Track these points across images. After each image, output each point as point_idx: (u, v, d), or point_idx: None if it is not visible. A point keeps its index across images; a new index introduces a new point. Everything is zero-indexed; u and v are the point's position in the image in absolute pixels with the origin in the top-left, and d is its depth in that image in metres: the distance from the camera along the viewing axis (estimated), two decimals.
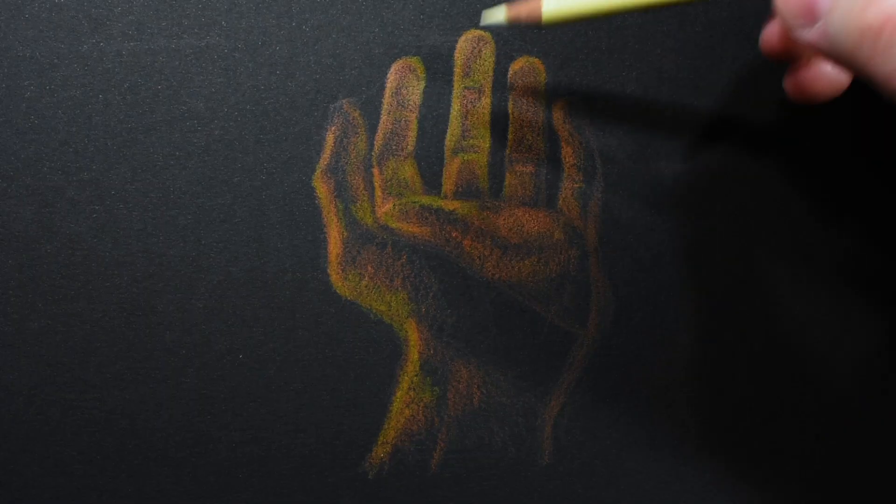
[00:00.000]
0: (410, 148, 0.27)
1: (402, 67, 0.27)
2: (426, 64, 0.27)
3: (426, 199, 0.27)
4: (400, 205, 0.27)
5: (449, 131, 0.27)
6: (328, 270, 0.27)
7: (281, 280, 0.26)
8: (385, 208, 0.27)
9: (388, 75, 0.27)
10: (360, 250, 0.27)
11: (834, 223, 0.29)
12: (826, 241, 0.29)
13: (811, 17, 0.21)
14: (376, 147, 0.27)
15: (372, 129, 0.27)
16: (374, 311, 0.27)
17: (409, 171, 0.27)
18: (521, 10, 0.24)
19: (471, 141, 0.27)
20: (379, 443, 0.27)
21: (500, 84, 0.28)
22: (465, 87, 0.27)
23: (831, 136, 0.28)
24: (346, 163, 0.27)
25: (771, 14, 0.25)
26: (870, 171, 0.29)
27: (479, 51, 0.27)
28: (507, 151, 0.28)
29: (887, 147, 0.29)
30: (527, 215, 0.28)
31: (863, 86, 0.21)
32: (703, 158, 0.29)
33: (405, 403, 0.27)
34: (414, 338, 0.27)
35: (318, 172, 0.27)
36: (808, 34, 0.21)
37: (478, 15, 0.27)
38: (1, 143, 0.25)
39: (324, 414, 0.27)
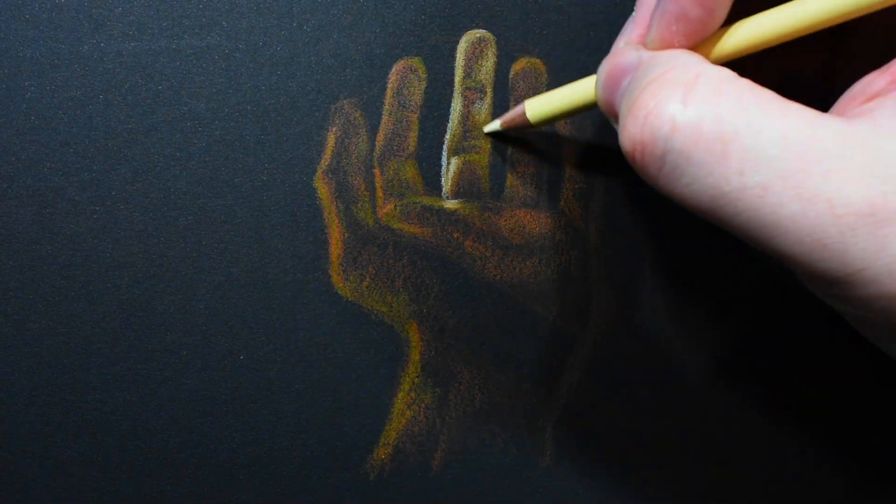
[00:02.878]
0: (412, 148, 0.27)
1: (404, 68, 0.27)
2: (427, 64, 0.27)
3: (427, 200, 0.27)
4: (401, 205, 0.27)
5: (450, 132, 0.27)
6: (329, 271, 0.27)
7: (282, 281, 0.26)
8: (386, 209, 0.27)
9: (390, 76, 0.27)
10: (362, 251, 0.27)
11: None
12: None
13: (615, 118, 0.21)
14: (377, 148, 0.27)
15: (373, 130, 0.27)
16: (376, 311, 0.27)
17: (410, 172, 0.27)
18: (512, 117, 0.26)
19: (472, 141, 0.27)
20: (380, 444, 0.27)
21: (502, 84, 0.28)
22: (467, 88, 0.27)
23: None
24: (348, 163, 0.27)
25: None
26: None
27: (481, 51, 0.27)
28: (509, 152, 0.28)
29: None
30: (528, 216, 0.28)
31: None
32: None
33: (406, 404, 0.27)
34: (415, 339, 0.27)
35: (319, 173, 0.27)
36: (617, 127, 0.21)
37: (479, 15, 0.27)
38: (1, 143, 0.25)
39: (325, 415, 0.27)
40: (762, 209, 0.17)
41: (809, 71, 0.24)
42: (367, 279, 0.27)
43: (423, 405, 0.27)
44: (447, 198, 0.27)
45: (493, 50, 0.27)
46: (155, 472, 0.26)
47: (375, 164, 0.27)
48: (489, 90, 0.27)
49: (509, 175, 0.28)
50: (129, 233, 0.26)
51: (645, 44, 0.21)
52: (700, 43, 0.20)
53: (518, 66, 0.28)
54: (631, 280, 0.28)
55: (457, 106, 0.27)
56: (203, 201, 0.26)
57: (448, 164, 0.27)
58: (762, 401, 0.29)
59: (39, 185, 0.25)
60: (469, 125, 0.27)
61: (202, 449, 0.26)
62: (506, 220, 0.28)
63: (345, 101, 0.27)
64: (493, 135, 0.27)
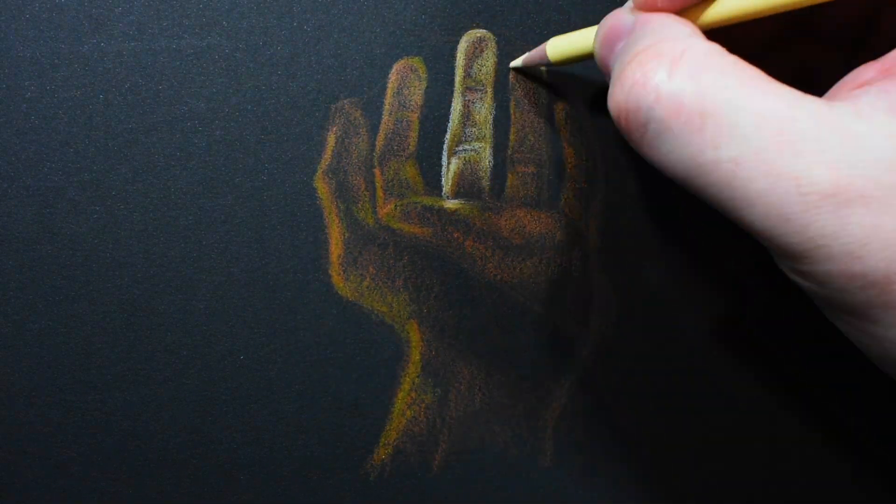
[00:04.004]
0: (412, 148, 0.27)
1: (404, 68, 0.27)
2: (428, 64, 0.27)
3: (428, 200, 0.27)
4: (401, 205, 0.27)
5: (450, 132, 0.27)
6: (329, 271, 0.27)
7: (282, 281, 0.26)
8: (386, 209, 0.27)
9: (390, 75, 0.27)
10: (362, 251, 0.27)
11: None
12: None
13: (608, 76, 0.21)
14: (378, 147, 0.27)
15: (373, 130, 0.27)
16: (376, 311, 0.27)
17: (410, 172, 0.27)
18: (533, 56, 0.27)
19: (472, 141, 0.27)
20: (380, 444, 0.27)
21: (502, 84, 0.28)
22: (467, 88, 0.27)
23: None
24: (348, 163, 0.27)
25: None
26: None
27: (481, 51, 0.27)
28: (509, 152, 0.28)
29: None
30: (528, 216, 0.28)
31: None
32: None
33: (407, 405, 0.27)
34: (415, 339, 0.27)
35: (319, 173, 0.27)
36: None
37: (479, 15, 0.27)
38: (1, 143, 0.25)
39: (325, 415, 0.27)
40: (733, 182, 0.17)
41: (827, 68, 0.25)
42: (368, 279, 0.27)
43: (423, 405, 0.27)
44: (447, 198, 0.27)
45: (494, 49, 0.27)
46: (155, 472, 0.26)
47: (376, 163, 0.27)
48: (489, 90, 0.27)
49: (510, 175, 0.28)
50: (129, 233, 0.26)
51: (635, 1, 0.21)
52: (688, 8, 0.21)
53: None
54: (631, 280, 0.28)
55: (457, 106, 0.27)
56: (203, 201, 0.26)
57: (448, 163, 0.27)
58: (763, 400, 0.29)
59: (39, 185, 0.25)
60: (469, 125, 0.27)
61: (202, 449, 0.26)
62: (506, 221, 0.28)
63: (345, 101, 0.27)
64: (518, 70, 0.28)
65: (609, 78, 0.21)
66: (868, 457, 0.29)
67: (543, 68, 0.28)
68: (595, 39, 0.22)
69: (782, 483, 0.29)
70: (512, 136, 0.28)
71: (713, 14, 0.21)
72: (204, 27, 0.26)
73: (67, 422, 0.26)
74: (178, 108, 0.26)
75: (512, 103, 0.28)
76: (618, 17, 0.21)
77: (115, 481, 0.26)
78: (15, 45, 0.25)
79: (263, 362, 0.26)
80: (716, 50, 0.18)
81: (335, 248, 0.27)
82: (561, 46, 0.25)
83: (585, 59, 0.26)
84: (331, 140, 0.27)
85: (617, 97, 0.19)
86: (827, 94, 0.21)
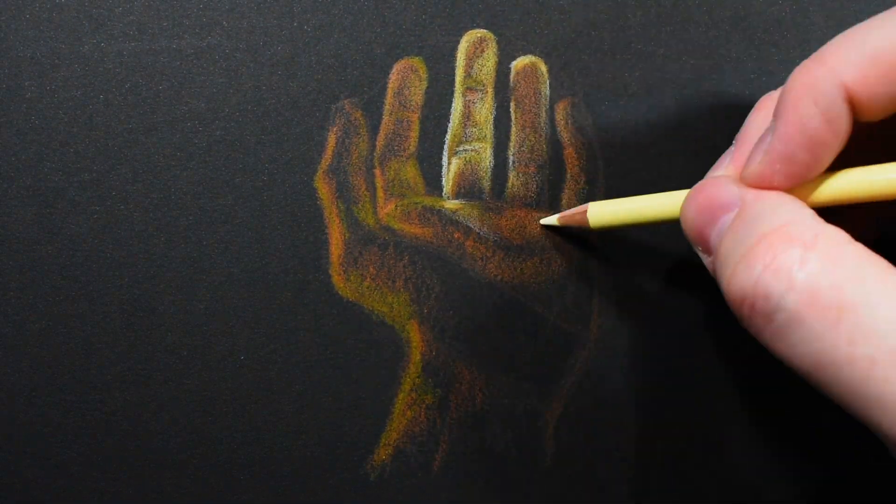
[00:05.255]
0: (412, 148, 0.27)
1: (404, 68, 0.27)
2: (428, 64, 0.27)
3: (428, 200, 0.27)
4: (402, 206, 0.27)
5: (451, 132, 0.27)
6: (330, 271, 0.27)
7: (282, 281, 0.26)
8: (387, 209, 0.27)
9: (390, 75, 0.27)
10: (362, 251, 0.27)
11: None
12: None
13: (708, 249, 0.21)
14: (378, 148, 0.27)
15: (374, 130, 0.27)
16: (376, 312, 0.27)
17: (411, 172, 0.27)
18: (573, 218, 0.27)
19: (473, 142, 0.27)
20: (381, 445, 0.27)
21: (503, 84, 0.28)
22: (468, 88, 0.27)
23: None
24: (348, 163, 0.27)
25: None
26: None
27: (482, 51, 0.27)
28: (510, 152, 0.28)
29: None
30: (529, 216, 0.28)
31: None
32: (706, 160, 0.28)
33: (407, 405, 0.27)
34: (416, 339, 0.27)
35: (319, 173, 0.27)
36: (708, 262, 0.21)
37: (480, 15, 0.27)
38: (1, 143, 0.25)
39: (325, 416, 0.27)
40: (867, 381, 0.16)
41: None
42: (368, 279, 0.27)
43: (423, 406, 0.27)
44: (448, 198, 0.27)
45: (494, 49, 0.27)
46: (155, 473, 0.26)
47: (376, 164, 0.27)
48: (490, 90, 0.27)
49: (510, 175, 0.28)
50: (129, 233, 0.26)
51: (741, 175, 0.20)
52: (797, 186, 0.20)
53: (519, 65, 0.28)
54: (632, 281, 0.28)
55: (457, 106, 0.27)
56: (203, 201, 0.26)
57: (449, 164, 0.27)
58: (764, 399, 0.29)
59: (39, 185, 0.25)
60: (470, 125, 0.27)
61: (202, 449, 0.26)
62: (507, 221, 0.28)
63: (345, 101, 0.27)
64: (547, 227, 0.28)
65: (702, 249, 0.21)
66: (869, 458, 0.29)
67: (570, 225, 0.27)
68: (685, 208, 0.21)
69: (783, 483, 0.29)
70: (512, 137, 0.28)
71: (826, 195, 0.20)
72: (204, 27, 0.26)
73: (67, 422, 0.26)
74: (178, 108, 0.26)
75: (512, 103, 0.28)
76: (718, 187, 0.20)
77: (115, 481, 0.26)
78: (15, 45, 0.25)
79: (263, 362, 0.26)
80: (845, 237, 0.18)
81: (335, 249, 0.27)
82: (606, 215, 0.25)
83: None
84: (331, 140, 0.27)
85: (742, 282, 0.18)
86: None
